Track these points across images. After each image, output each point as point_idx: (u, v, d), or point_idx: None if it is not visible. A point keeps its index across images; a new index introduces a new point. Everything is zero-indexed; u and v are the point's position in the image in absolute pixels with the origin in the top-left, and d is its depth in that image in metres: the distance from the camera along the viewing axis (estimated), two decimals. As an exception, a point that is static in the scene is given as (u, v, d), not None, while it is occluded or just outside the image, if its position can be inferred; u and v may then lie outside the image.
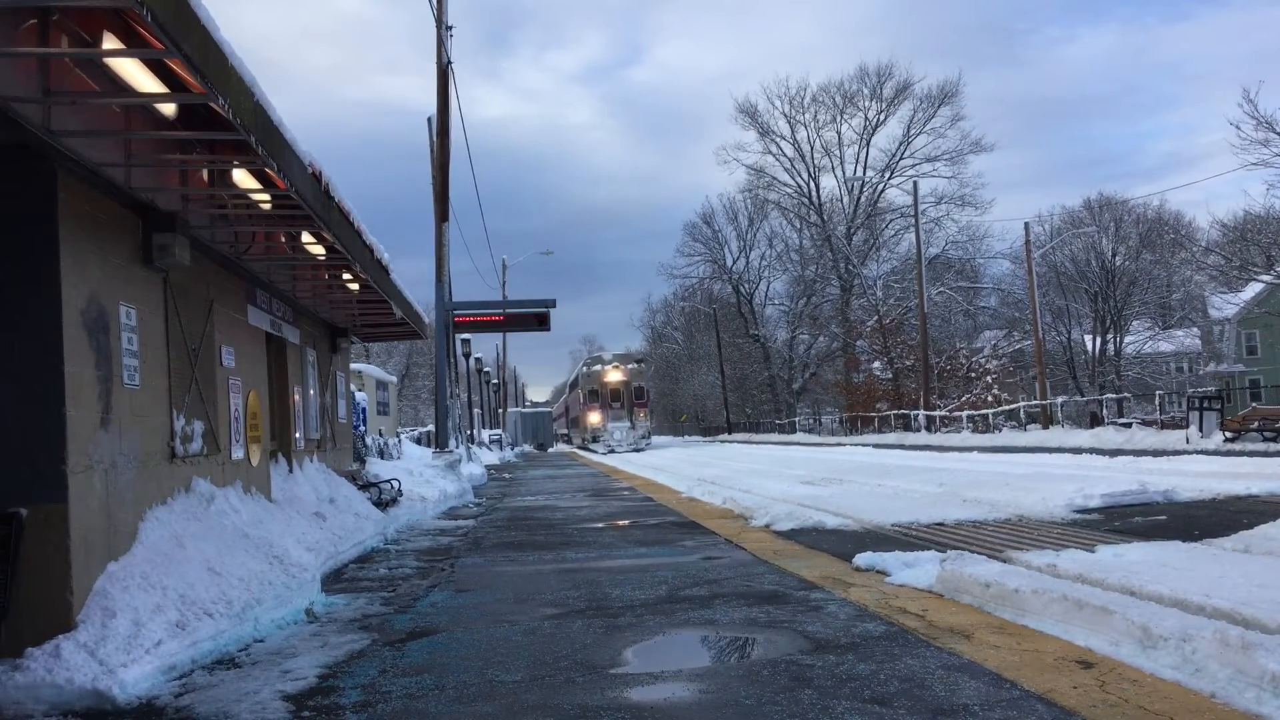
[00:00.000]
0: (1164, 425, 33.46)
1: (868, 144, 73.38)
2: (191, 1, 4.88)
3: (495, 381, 72.09)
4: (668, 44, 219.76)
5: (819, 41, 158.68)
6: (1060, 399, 45.36)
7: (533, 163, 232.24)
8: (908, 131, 71.19)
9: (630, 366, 60.38)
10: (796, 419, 73.81)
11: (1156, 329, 59.47)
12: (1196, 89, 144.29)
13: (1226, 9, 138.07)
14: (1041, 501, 12.22)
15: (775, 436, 67.56)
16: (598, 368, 60.94)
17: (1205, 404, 28.84)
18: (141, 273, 7.35)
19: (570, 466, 36.36)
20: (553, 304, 24.69)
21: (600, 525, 13.35)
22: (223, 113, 5.60)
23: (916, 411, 52.24)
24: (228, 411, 9.49)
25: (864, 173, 73.53)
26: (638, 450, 53.07)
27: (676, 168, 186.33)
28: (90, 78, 5.63)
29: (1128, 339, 57.15)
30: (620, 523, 13.50)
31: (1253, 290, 51.08)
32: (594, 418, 58.89)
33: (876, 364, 65.99)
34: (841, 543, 10.03)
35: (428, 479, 19.17)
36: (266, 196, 7.83)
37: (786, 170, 75.58)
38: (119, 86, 5.72)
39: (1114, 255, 56.64)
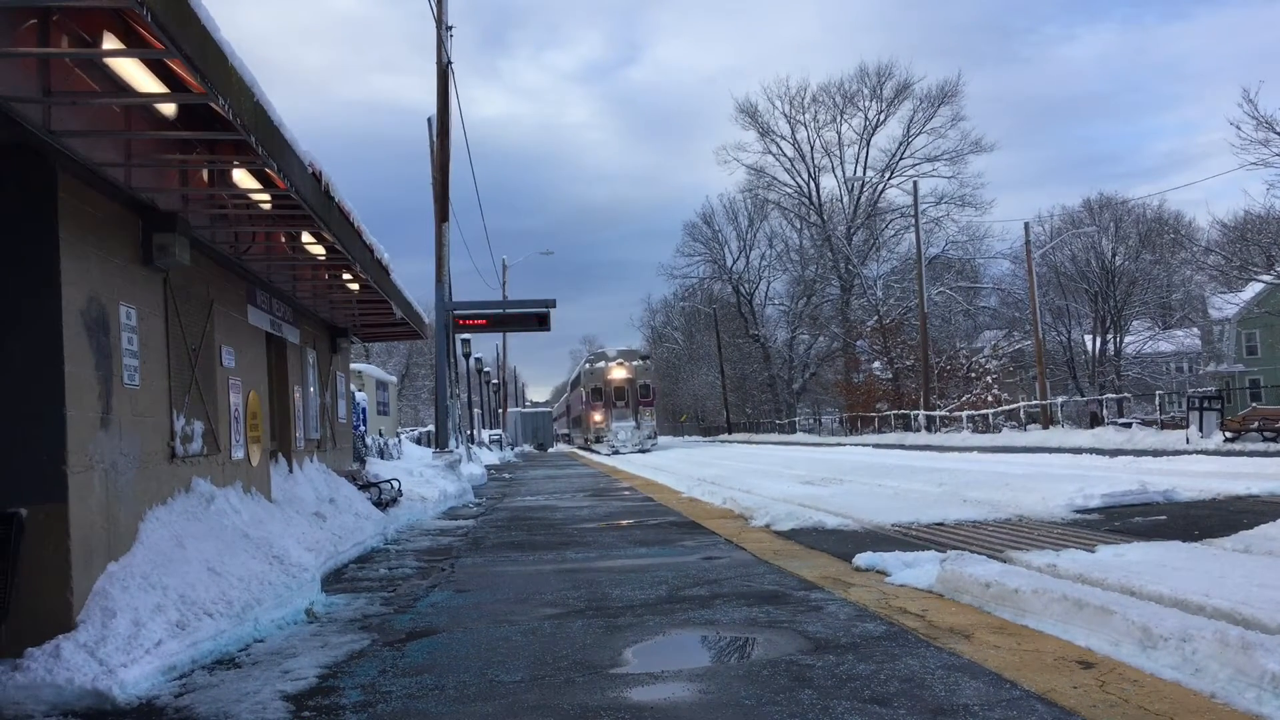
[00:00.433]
0: (1164, 425, 33.47)
1: (868, 144, 73.45)
2: (191, 2, 4.89)
3: (495, 381, 72.10)
4: (665, 43, 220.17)
5: (817, 39, 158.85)
6: (1060, 399, 45.36)
7: (531, 162, 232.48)
8: (908, 131, 71.24)
9: (635, 363, 57.56)
10: (796, 419, 73.82)
11: (1156, 329, 59.46)
12: (1196, 88, 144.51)
13: (1226, 8, 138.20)
14: (1041, 501, 12.22)
15: (775, 436, 67.55)
16: (601, 364, 57.83)
17: (1205, 404, 28.85)
18: (141, 273, 7.34)
19: (570, 466, 36.36)
20: (553, 304, 24.69)
21: (600, 525, 13.35)
22: (223, 113, 5.60)
23: (916, 411, 52.24)
24: (228, 411, 9.49)
25: (864, 173, 73.60)
26: (643, 451, 50.92)
27: (676, 167, 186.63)
28: (90, 78, 5.63)
29: (1128, 339, 57.15)
30: (620, 523, 13.50)
31: (1253, 290, 51.08)
32: (597, 417, 56.21)
33: (876, 364, 66.00)
34: (841, 543, 10.03)
35: (428, 479, 19.17)
36: (266, 196, 7.84)
37: (786, 170, 75.67)
38: (119, 86, 5.72)
39: (1114, 255, 56.62)
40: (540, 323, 24.88)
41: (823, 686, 4.82)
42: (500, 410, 73.13)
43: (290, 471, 12.08)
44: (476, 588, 8.52)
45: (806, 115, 74.01)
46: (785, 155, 75.02)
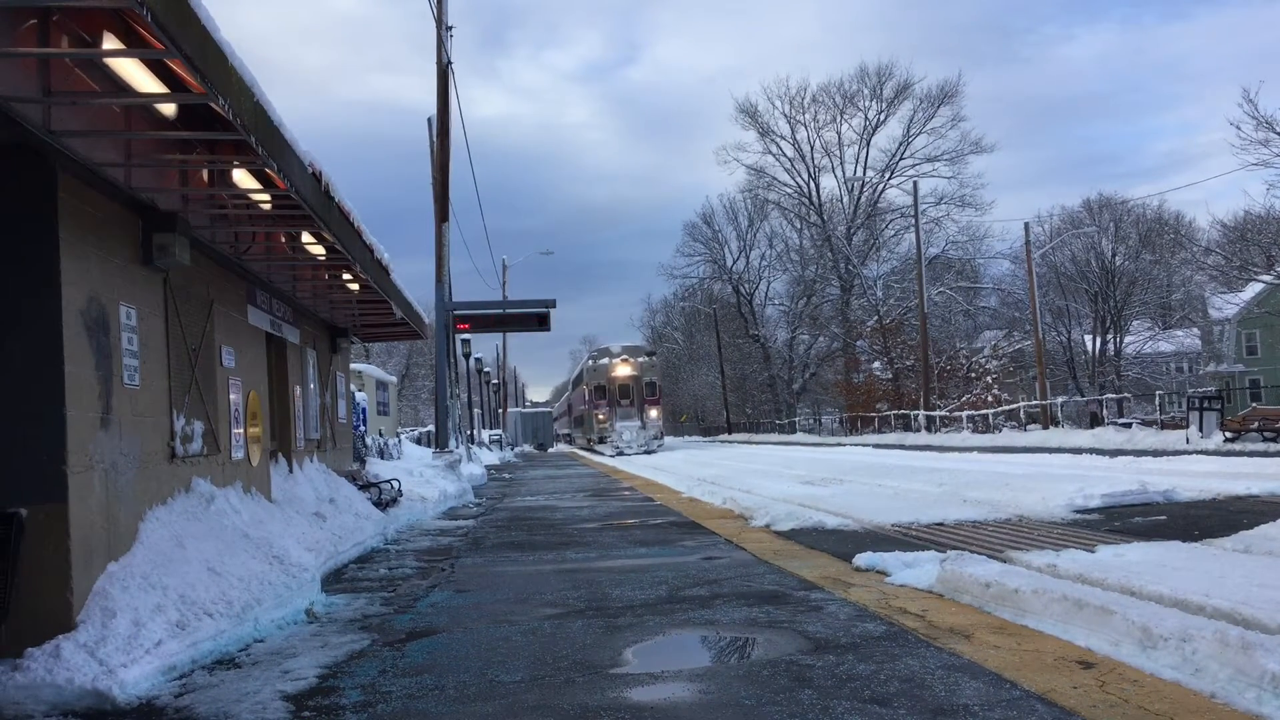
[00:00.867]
0: (1164, 425, 33.47)
1: (868, 144, 73.45)
2: (191, 2, 4.88)
3: (495, 381, 72.09)
4: (665, 42, 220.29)
5: (816, 39, 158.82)
6: (1060, 399, 45.38)
7: (531, 162, 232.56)
8: (908, 132, 71.24)
9: (640, 360, 54.57)
10: (796, 419, 73.82)
11: (1156, 329, 59.48)
12: (1196, 88, 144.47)
13: (1225, 8, 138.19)
14: (1041, 501, 12.22)
15: (775, 436, 67.53)
16: (605, 361, 54.84)
17: (1205, 404, 28.86)
18: (141, 273, 7.34)
19: (570, 467, 36.36)
20: (553, 304, 24.68)
21: (600, 525, 13.35)
22: (223, 113, 5.60)
23: (916, 411, 52.23)
24: (228, 411, 9.49)
25: (864, 173, 73.60)
26: (649, 453, 48.38)
27: (675, 167, 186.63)
28: (90, 78, 5.63)
29: (1128, 339, 57.16)
30: (620, 523, 13.50)
31: (1253, 290, 51.06)
32: (601, 416, 53.52)
33: (876, 364, 66.01)
34: (841, 543, 10.03)
35: (428, 479, 19.17)
36: (266, 196, 7.83)
37: (786, 170, 75.66)
38: (119, 86, 5.72)
39: (1114, 255, 56.65)
40: (540, 323, 24.86)
41: (823, 686, 4.82)
42: (500, 410, 73.13)
43: (290, 471, 12.08)
44: (476, 588, 8.52)
45: (806, 115, 74.10)
46: (785, 155, 75.11)
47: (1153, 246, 57.67)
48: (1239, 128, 34.35)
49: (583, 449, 61.17)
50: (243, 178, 7.45)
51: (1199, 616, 5.45)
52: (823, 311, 74.69)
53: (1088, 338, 58.04)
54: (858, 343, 68.14)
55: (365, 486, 14.97)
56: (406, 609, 7.63)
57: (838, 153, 74.19)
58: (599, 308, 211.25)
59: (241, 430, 9.88)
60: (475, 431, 49.20)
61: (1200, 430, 27.62)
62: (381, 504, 14.58)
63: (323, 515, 11.28)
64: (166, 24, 4.57)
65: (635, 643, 6.04)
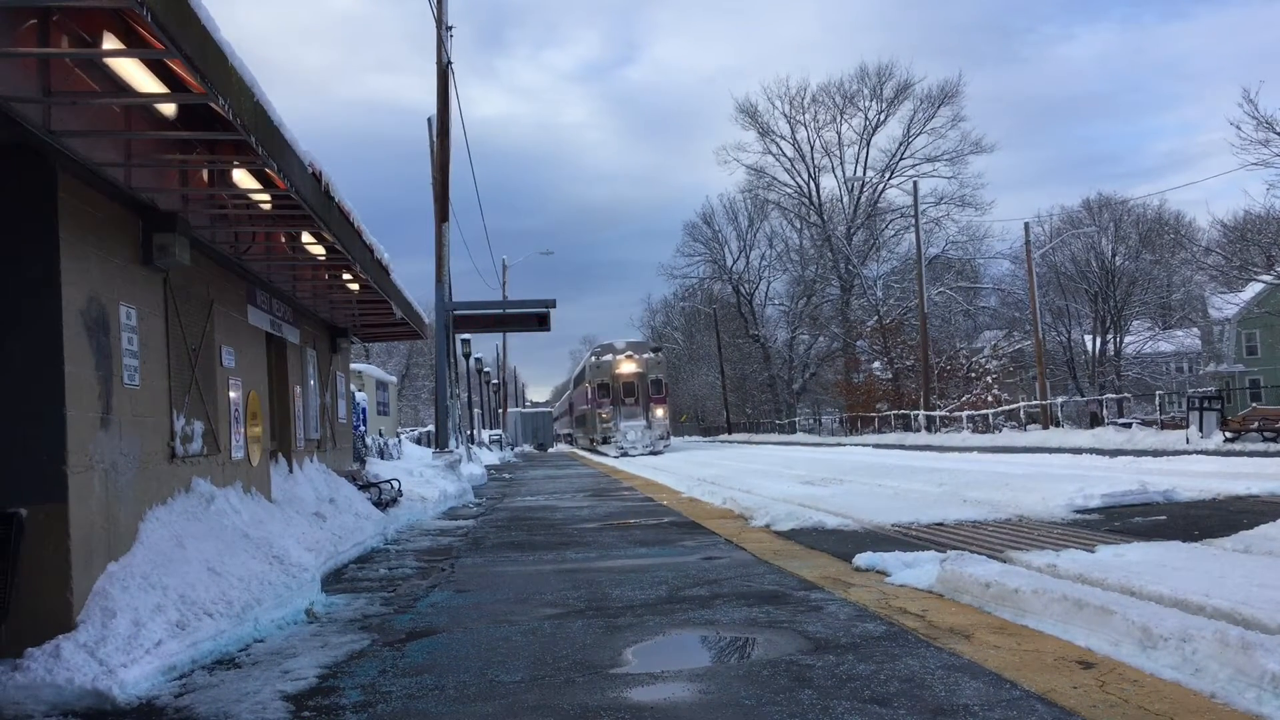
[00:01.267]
0: (1164, 425, 33.48)
1: (868, 144, 73.47)
2: (191, 2, 4.88)
3: (495, 381, 72.10)
4: (664, 42, 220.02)
5: (815, 39, 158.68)
6: (1060, 399, 45.39)
7: (531, 162, 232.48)
8: (908, 132, 71.26)
9: (646, 356, 51.85)
10: (796, 419, 73.83)
11: (1156, 329, 59.49)
12: (1196, 88, 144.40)
13: (1225, 8, 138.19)
14: (1041, 501, 12.22)
15: (775, 436, 67.53)
16: (609, 358, 51.91)
17: (1205, 404, 28.86)
18: (141, 273, 7.34)
19: (570, 467, 36.36)
20: (553, 304, 24.70)
21: (600, 525, 13.34)
22: (223, 113, 5.60)
23: (916, 411, 52.24)
24: (228, 411, 9.49)
25: (864, 173, 73.62)
26: (655, 453, 46.10)
27: (675, 167, 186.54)
28: (90, 78, 5.63)
29: (1128, 339, 57.18)
30: (620, 523, 13.50)
31: (1253, 290, 51.08)
32: (604, 415, 50.75)
33: (876, 364, 66.03)
34: (841, 543, 10.03)
35: (428, 479, 19.17)
36: (266, 196, 7.83)
37: (786, 170, 75.69)
38: (119, 86, 5.72)
39: (1114, 255, 56.68)
40: (540, 323, 24.89)
41: (823, 686, 4.82)
42: (500, 410, 73.14)
43: (290, 471, 12.08)
44: (476, 588, 8.52)
45: (806, 115, 74.12)
46: (785, 155, 75.13)
47: (1153, 246, 57.68)
48: (1239, 128, 34.41)
49: (585, 449, 59.22)
50: (243, 178, 7.45)
51: (1199, 616, 5.45)
52: (823, 311, 74.70)
53: (1088, 338, 58.06)
54: (858, 343, 68.16)
55: (365, 486, 14.98)
56: (406, 609, 7.63)
57: (838, 153, 74.31)
58: (599, 308, 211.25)
59: (241, 430, 9.88)
60: (475, 431, 49.17)
61: (1200, 430, 27.63)
62: (381, 504, 14.58)
63: (323, 515, 11.28)
64: (166, 24, 4.57)
65: (635, 643, 6.04)
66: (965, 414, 48.58)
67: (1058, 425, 40.91)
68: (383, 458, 21.00)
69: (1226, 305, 54.92)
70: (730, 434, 78.83)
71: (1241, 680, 4.37)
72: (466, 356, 43.43)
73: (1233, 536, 8.59)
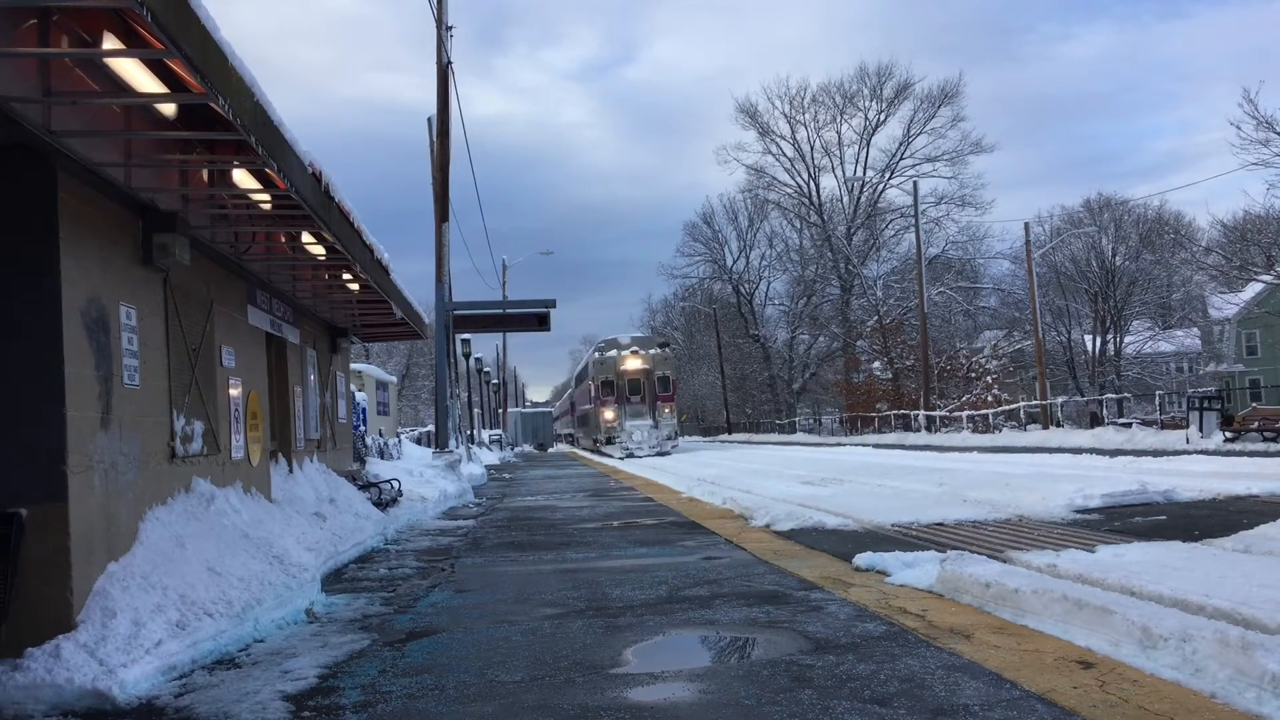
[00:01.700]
0: (1164, 425, 33.47)
1: (868, 144, 73.50)
2: (191, 2, 4.88)
3: (495, 381, 72.12)
4: (663, 42, 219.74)
5: (814, 38, 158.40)
6: (1060, 399, 45.39)
7: (530, 162, 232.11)
8: (908, 132, 71.30)
9: (652, 352, 48.82)
10: (796, 419, 73.84)
11: (1156, 329, 59.46)
12: (1195, 87, 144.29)
13: (1225, 7, 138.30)
14: (1041, 501, 12.22)
15: (775, 436, 67.54)
16: (613, 354, 48.64)
17: (1205, 404, 28.86)
18: (141, 273, 7.34)
19: (571, 466, 36.36)
20: (553, 304, 24.71)
21: (600, 525, 13.35)
22: (223, 113, 5.60)
23: (916, 411, 52.25)
24: (228, 411, 9.49)
25: (864, 173, 73.66)
26: (662, 454, 43.80)
27: (675, 166, 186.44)
28: (90, 78, 5.63)
29: (1128, 339, 57.15)
30: (620, 523, 13.50)
31: (1253, 290, 51.09)
32: (608, 415, 47.72)
33: (876, 364, 66.01)
34: (841, 543, 10.03)
35: (428, 479, 19.17)
36: (266, 196, 7.83)
37: (786, 170, 75.72)
38: (119, 86, 5.72)
39: (1114, 255, 56.65)
40: (540, 323, 24.91)
41: (823, 686, 4.82)
42: (500, 410, 73.16)
43: (290, 471, 12.08)
44: (476, 588, 8.52)
45: (806, 115, 74.16)
46: (785, 155, 75.17)
47: (1153, 246, 57.66)
48: (1239, 127, 34.35)
49: (587, 450, 56.35)
50: (243, 178, 7.45)
51: (1199, 616, 5.45)
52: (823, 311, 74.72)
53: (1088, 338, 58.04)
54: (858, 343, 68.17)
55: (365, 486, 14.98)
56: (406, 609, 7.63)
57: (838, 153, 74.34)
58: (599, 308, 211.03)
59: (241, 430, 9.88)
60: (475, 431, 49.16)
61: (1200, 430, 27.63)
62: (381, 504, 14.58)
63: (323, 515, 11.29)
64: (166, 24, 4.57)
65: (635, 643, 6.04)
66: (965, 414, 48.58)
67: (1058, 425, 40.92)
68: (383, 458, 21.00)
69: (1226, 305, 54.94)
70: (730, 434, 78.85)
71: (1241, 680, 4.37)
72: (466, 356, 43.44)
73: (1233, 536, 8.59)
